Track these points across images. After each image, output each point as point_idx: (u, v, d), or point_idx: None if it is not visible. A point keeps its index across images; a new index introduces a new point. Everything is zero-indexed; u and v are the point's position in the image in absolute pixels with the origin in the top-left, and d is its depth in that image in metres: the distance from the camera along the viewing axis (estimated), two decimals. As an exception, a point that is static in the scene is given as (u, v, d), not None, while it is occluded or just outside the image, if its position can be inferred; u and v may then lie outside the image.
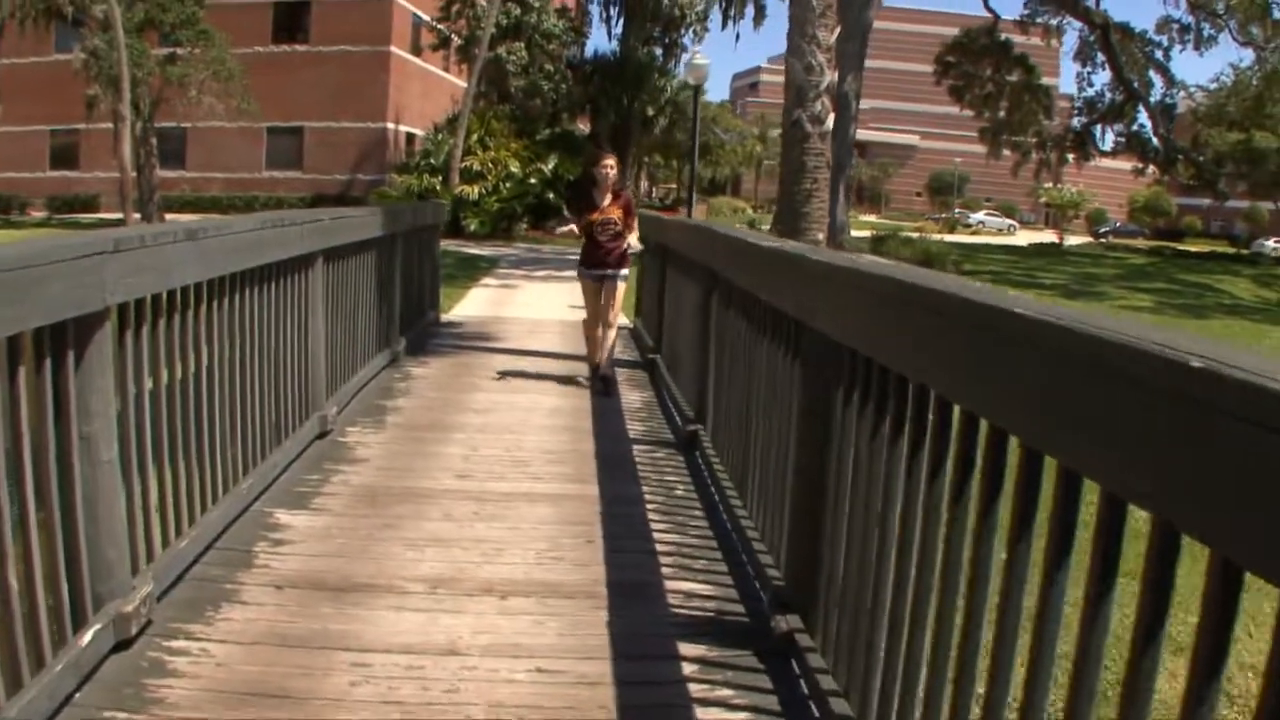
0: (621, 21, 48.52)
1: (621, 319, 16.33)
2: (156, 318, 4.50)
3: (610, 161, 9.85)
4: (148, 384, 4.41)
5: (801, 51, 14.50)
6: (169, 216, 39.93)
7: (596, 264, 9.83)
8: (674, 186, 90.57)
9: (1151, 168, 50.71)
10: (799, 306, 4.40)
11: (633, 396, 9.63)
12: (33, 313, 3.36)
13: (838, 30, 14.99)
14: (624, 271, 9.93)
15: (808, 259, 4.25)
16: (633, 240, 9.85)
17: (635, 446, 7.68)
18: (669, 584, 5.03)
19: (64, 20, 39.76)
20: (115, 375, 4.07)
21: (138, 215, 38.16)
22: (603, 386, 9.64)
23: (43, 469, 3.55)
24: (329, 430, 7.44)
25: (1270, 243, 70.96)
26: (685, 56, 26.86)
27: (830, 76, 14.57)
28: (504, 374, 10.48)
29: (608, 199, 9.70)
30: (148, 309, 4.39)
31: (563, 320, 15.02)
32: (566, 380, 10.22)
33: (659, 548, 5.52)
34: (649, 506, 6.23)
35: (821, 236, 15.11)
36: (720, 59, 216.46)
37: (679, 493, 6.56)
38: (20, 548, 3.39)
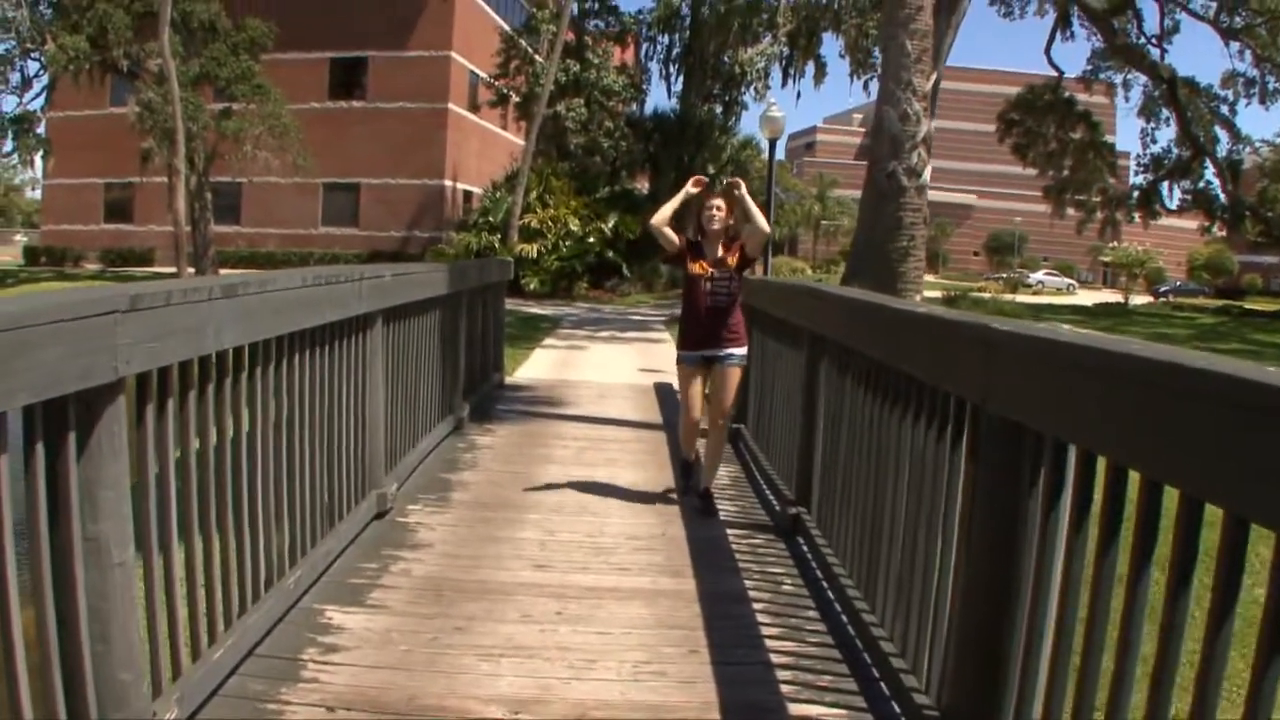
0: (681, 79, 48.10)
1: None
2: (186, 389, 3.75)
3: (718, 202, 7.38)
4: (174, 461, 3.66)
5: (896, 99, 13.70)
6: (224, 271, 39.95)
7: (701, 341, 7.40)
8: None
9: (1218, 225, 49.72)
10: (968, 383, 3.59)
11: (719, 471, 8.80)
12: (19, 387, 2.58)
13: (934, 77, 14.26)
14: (741, 352, 7.47)
15: (993, 329, 3.42)
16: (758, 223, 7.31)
17: (730, 531, 6.84)
18: (793, 708, 4.21)
19: (119, 73, 40.02)
20: (133, 459, 3.30)
21: (192, 270, 38.05)
22: (701, 504, 7.32)
23: (36, 583, 2.80)
24: (388, 510, 6.67)
25: (1334, 299, 69.73)
26: (760, 109, 26.40)
27: (927, 126, 13.78)
28: (576, 444, 9.63)
29: (719, 250, 7.38)
30: (174, 379, 3.63)
31: (632, 384, 14.29)
32: (643, 451, 9.39)
33: (774, 658, 4.69)
34: (756, 606, 5.39)
35: (919, 299, 14.22)
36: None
37: (787, 588, 5.72)
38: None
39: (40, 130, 41.11)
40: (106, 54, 38.41)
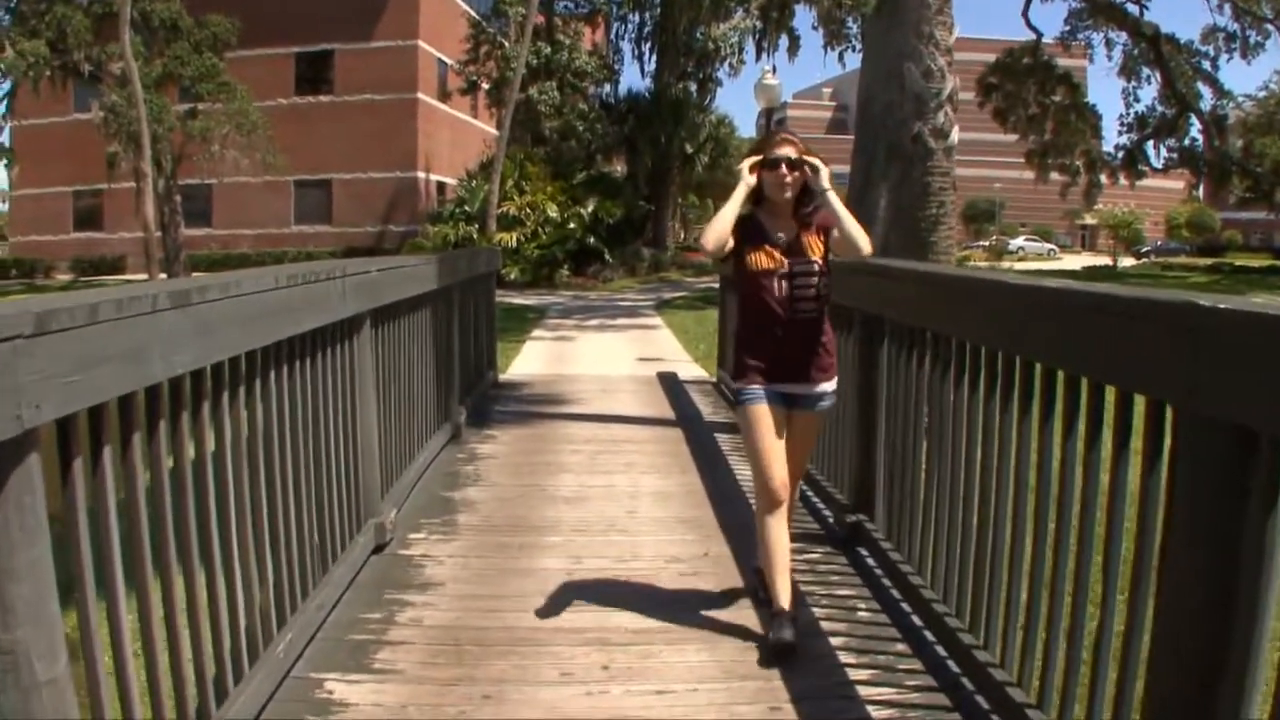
0: (654, 58, 47.15)
1: (699, 371, 14.74)
2: (129, 433, 2.85)
3: (788, 152, 4.79)
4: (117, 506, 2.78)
5: (918, 54, 12.77)
6: (197, 276, 38.86)
7: (779, 371, 4.81)
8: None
9: (1204, 182, 49.19)
10: (1164, 378, 2.72)
11: (747, 471, 7.91)
12: None
13: (956, 31, 13.35)
14: (834, 388, 4.95)
15: (1202, 307, 2.54)
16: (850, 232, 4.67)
17: (781, 545, 5.97)
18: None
19: (81, 78, 39.32)
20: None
21: (163, 275, 37.27)
22: (788, 637, 4.41)
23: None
24: (388, 541, 5.78)
25: (1314, 252, 70.69)
26: (749, 80, 25.55)
27: (953, 82, 12.87)
28: (588, 447, 8.71)
29: (793, 227, 4.82)
30: (111, 422, 2.74)
31: (634, 376, 13.48)
32: (663, 452, 8.50)
33: (874, 711, 3.83)
34: (834, 641, 4.56)
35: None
36: (745, 96, 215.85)
37: (863, 614, 4.89)
38: None
39: (2, 139, 40.19)
40: (67, 58, 37.63)
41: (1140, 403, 2.96)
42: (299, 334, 4.33)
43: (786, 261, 4.68)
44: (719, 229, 4.68)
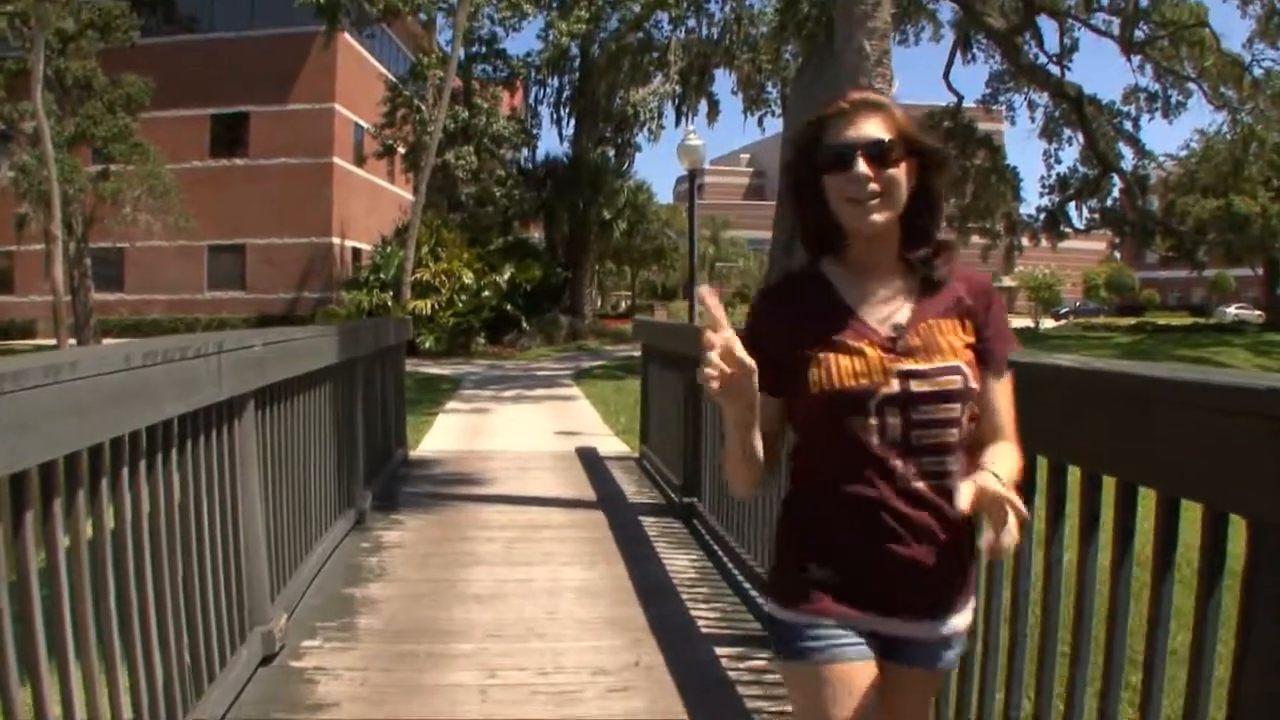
0: (573, 122, 46.76)
1: (620, 446, 14.06)
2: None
3: (873, 127, 2.34)
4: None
5: None
6: (107, 341, 38.30)
7: (872, 591, 2.40)
8: (627, 294, 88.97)
9: (1126, 242, 49.62)
10: (1248, 490, 2.14)
11: (678, 560, 7.27)
12: None
13: (896, 85, 12.91)
14: (965, 621, 2.52)
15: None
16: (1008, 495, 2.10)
17: (719, 650, 5.31)
18: None
19: None
20: None
21: (73, 341, 36.31)
22: None
23: None
24: (277, 651, 5.06)
25: (1231, 309, 73.42)
26: (672, 143, 25.16)
27: None
28: (503, 534, 8.00)
29: (897, 296, 2.45)
30: None
31: (552, 451, 12.83)
32: (585, 539, 7.85)
33: None
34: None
35: None
36: (663, 162, 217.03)
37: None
38: None
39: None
40: (-23, 115, 36.57)
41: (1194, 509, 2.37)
42: (159, 422, 3.66)
43: (896, 369, 2.35)
44: (733, 460, 2.37)
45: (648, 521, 8.42)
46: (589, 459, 11.86)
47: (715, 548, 7.30)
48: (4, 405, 2.52)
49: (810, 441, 2.43)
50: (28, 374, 2.65)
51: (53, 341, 35.62)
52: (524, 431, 16.14)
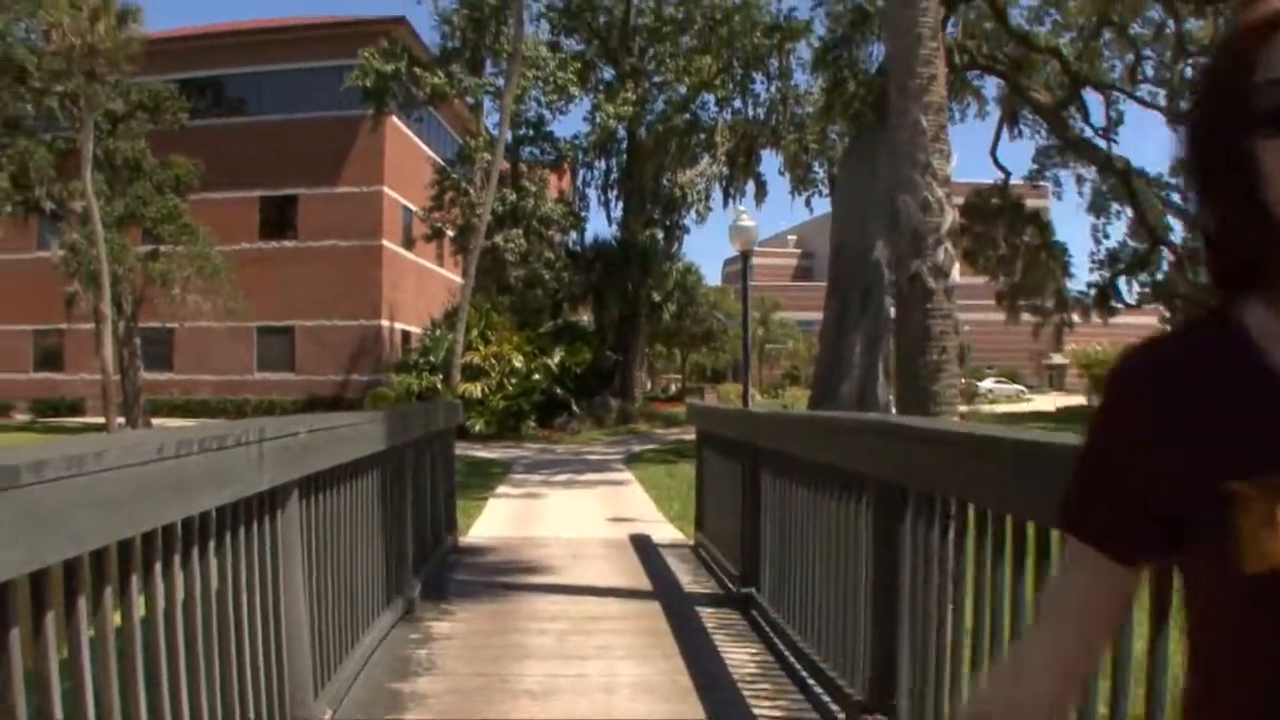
0: (620, 204, 46.88)
1: (674, 533, 13.81)
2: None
3: None
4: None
5: (914, 185, 11.90)
6: (155, 421, 38.87)
7: None
8: (677, 377, 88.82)
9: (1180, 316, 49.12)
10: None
11: (737, 654, 6.98)
12: None
13: (955, 160, 12.65)
14: None
15: None
16: None
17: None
18: None
19: (42, 214, 39.00)
20: None
21: (122, 420, 36.51)
22: None
23: None
24: (320, 752, 4.83)
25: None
26: (729, 220, 24.84)
27: (951, 216, 12.06)
28: (556, 626, 7.71)
29: None
30: None
31: (605, 539, 12.56)
32: (640, 632, 7.57)
33: None
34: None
35: (956, 421, 12.33)
36: (710, 243, 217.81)
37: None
38: None
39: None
40: (29, 194, 37.04)
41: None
42: (193, 515, 3.45)
43: None
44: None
45: (705, 612, 8.14)
46: (643, 546, 11.60)
47: (776, 640, 7.01)
48: (21, 499, 2.30)
49: (1232, 663, 1.21)
50: (48, 465, 2.43)
51: (101, 420, 35.89)
52: (576, 517, 15.90)
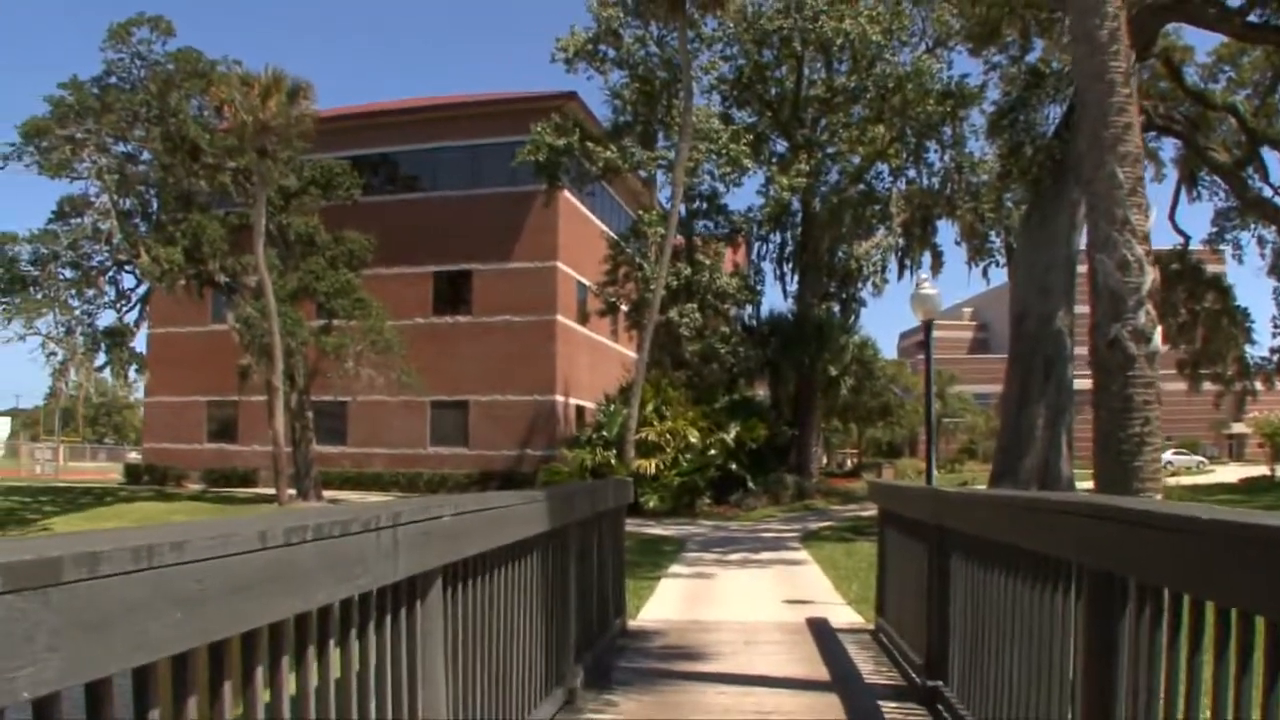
0: (796, 278, 46.62)
1: (853, 616, 13.19)
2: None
3: None
4: None
5: (1112, 243, 11.12)
6: (328, 494, 39.86)
7: None
8: (853, 451, 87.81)
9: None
10: None
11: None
12: None
13: (1154, 215, 11.94)
14: None
15: None
16: None
17: None
18: None
19: (216, 287, 40.22)
20: None
21: (293, 491, 37.31)
22: None
23: None
24: None
25: None
26: (912, 288, 24.32)
27: (1152, 275, 11.21)
28: None
29: None
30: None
31: (780, 622, 11.99)
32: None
33: None
34: None
35: (1160, 499, 11.46)
36: (885, 316, 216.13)
37: None
38: None
39: (136, 344, 40.73)
40: (202, 267, 38.13)
41: None
42: (309, 610, 3.03)
43: None
44: None
45: (887, 707, 7.55)
46: (820, 631, 10.99)
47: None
48: (63, 601, 1.89)
49: None
50: (104, 558, 2.02)
51: (272, 490, 36.70)
52: (750, 598, 15.38)
